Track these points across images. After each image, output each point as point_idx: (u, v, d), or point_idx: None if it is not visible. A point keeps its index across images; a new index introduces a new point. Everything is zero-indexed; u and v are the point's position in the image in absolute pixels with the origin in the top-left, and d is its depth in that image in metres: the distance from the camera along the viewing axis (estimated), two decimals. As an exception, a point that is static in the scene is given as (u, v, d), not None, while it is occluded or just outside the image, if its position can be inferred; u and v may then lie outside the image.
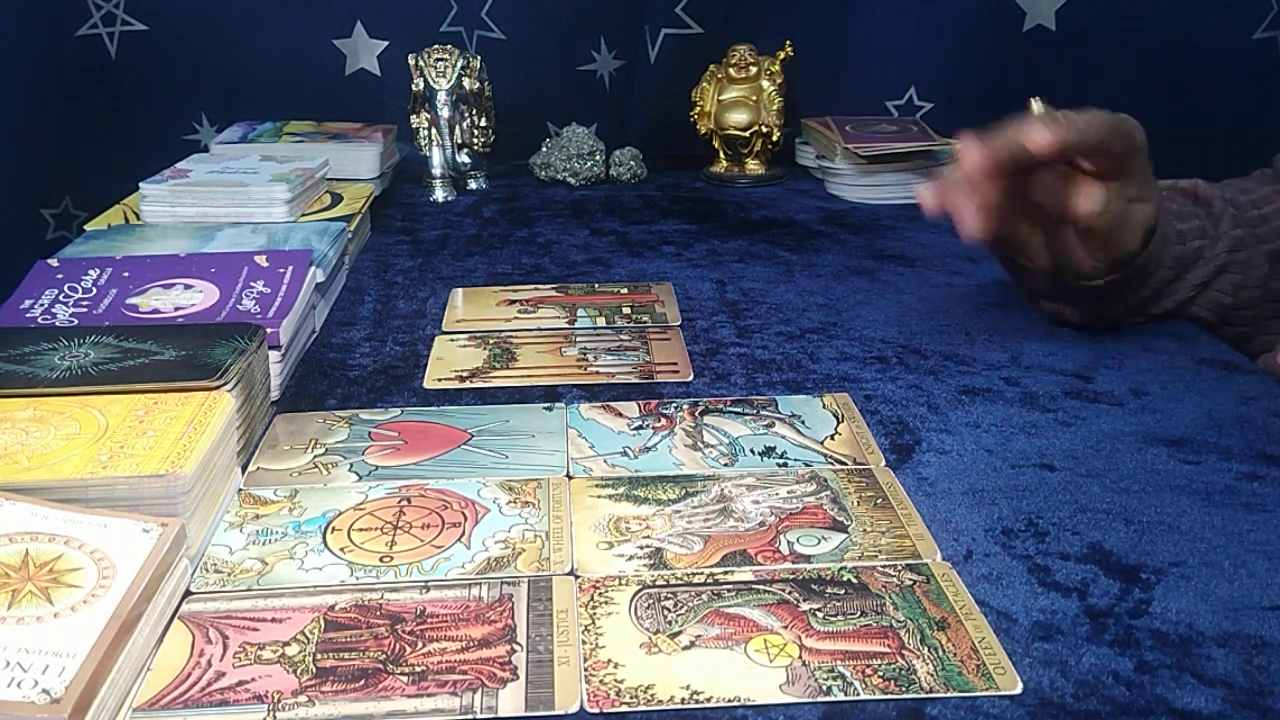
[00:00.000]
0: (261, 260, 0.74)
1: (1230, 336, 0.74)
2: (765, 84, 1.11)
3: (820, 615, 0.45)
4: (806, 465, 0.57)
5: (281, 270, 0.72)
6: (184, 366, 0.57)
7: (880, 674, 0.42)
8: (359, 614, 0.46)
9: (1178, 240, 0.71)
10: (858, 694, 0.41)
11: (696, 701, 0.41)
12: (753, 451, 0.59)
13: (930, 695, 0.41)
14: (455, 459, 0.58)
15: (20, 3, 1.04)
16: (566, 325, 0.76)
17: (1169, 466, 0.57)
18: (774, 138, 1.12)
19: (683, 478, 0.56)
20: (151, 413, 0.53)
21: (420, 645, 0.44)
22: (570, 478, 0.56)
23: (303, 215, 0.86)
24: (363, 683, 0.42)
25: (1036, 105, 0.67)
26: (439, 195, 1.07)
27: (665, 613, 0.46)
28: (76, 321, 0.66)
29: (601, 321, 0.77)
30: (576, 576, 0.48)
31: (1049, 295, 0.73)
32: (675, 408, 0.63)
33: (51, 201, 1.12)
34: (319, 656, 0.43)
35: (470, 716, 0.40)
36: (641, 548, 0.50)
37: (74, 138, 1.12)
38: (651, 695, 0.41)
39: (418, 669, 0.42)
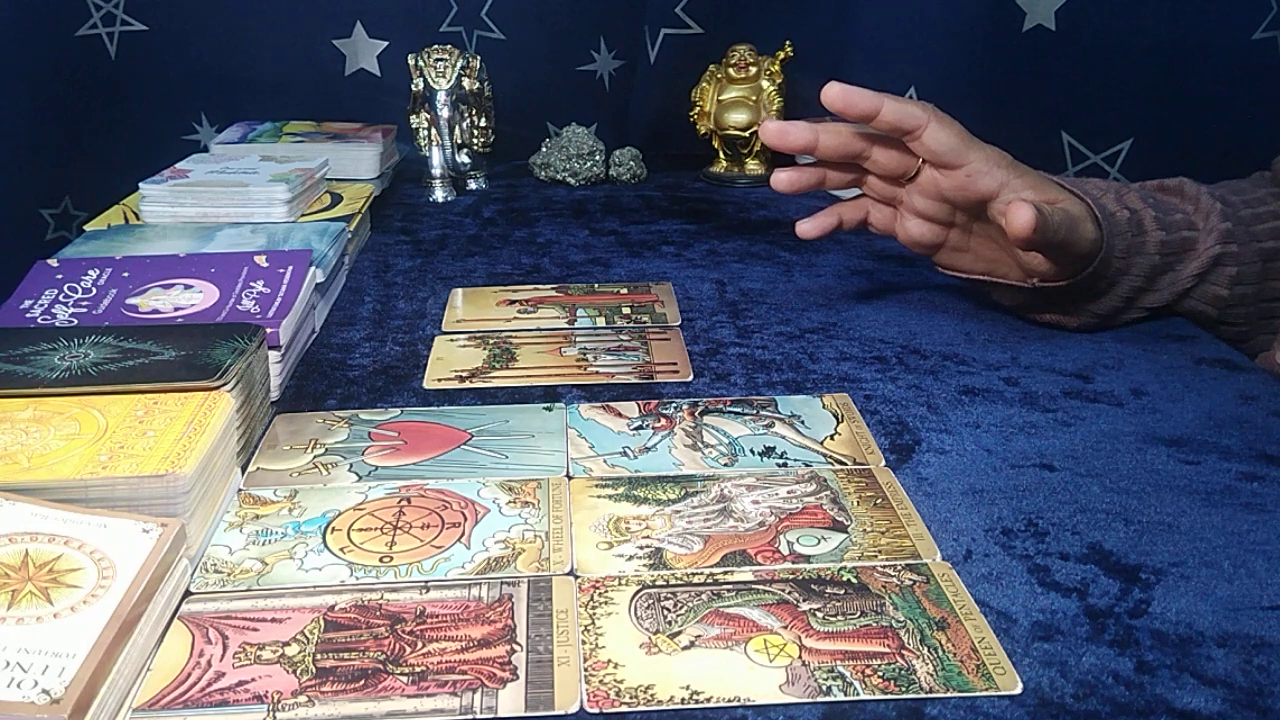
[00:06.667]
0: (261, 260, 0.74)
1: (1228, 336, 0.74)
2: (765, 84, 1.11)
3: (820, 615, 0.45)
4: (806, 465, 0.57)
5: (281, 270, 0.72)
6: (184, 366, 0.57)
7: (880, 674, 0.42)
8: (359, 614, 0.46)
9: (1162, 228, 0.71)
10: (857, 694, 0.41)
11: (696, 702, 0.41)
12: (753, 451, 0.59)
13: (930, 695, 0.41)
14: (455, 459, 0.58)
15: (20, 3, 1.04)
16: (566, 325, 0.76)
17: (1169, 466, 0.57)
18: (774, 138, 1.12)
19: (683, 478, 0.56)
20: (151, 413, 0.53)
21: (420, 645, 0.44)
22: (570, 478, 0.56)
23: (303, 215, 0.86)
24: (363, 683, 0.42)
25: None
26: (439, 195, 1.07)
27: (665, 613, 0.46)
28: (76, 321, 0.66)
29: (601, 321, 0.77)
30: (576, 576, 0.48)
31: (1030, 306, 0.74)
32: (675, 408, 0.63)
33: (51, 201, 1.12)
34: (319, 656, 0.43)
35: (470, 716, 0.40)
36: (641, 548, 0.50)
37: (74, 138, 1.12)
38: (651, 695, 0.41)
39: (418, 669, 0.42)
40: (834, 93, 0.68)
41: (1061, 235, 0.65)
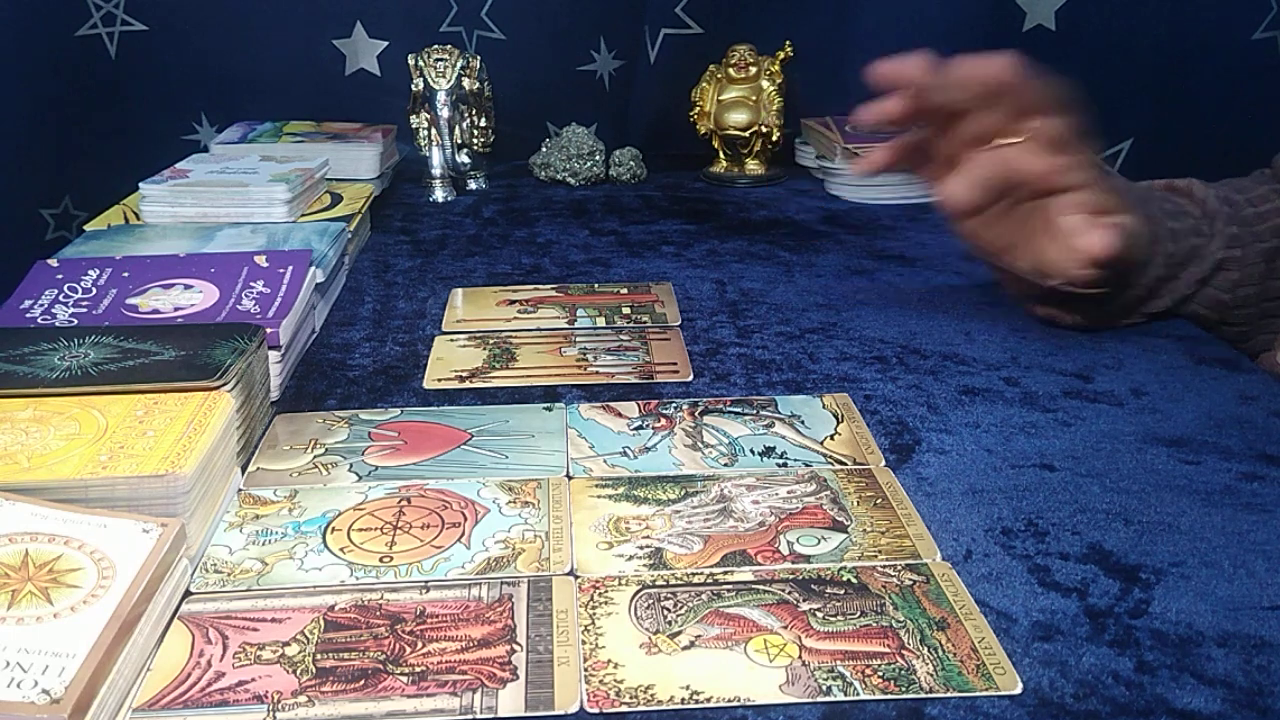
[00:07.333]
0: (261, 260, 0.74)
1: (1229, 336, 0.74)
2: (765, 84, 1.11)
3: (820, 615, 0.45)
4: (806, 465, 0.57)
5: (281, 270, 0.72)
6: (184, 366, 0.57)
7: (880, 674, 0.42)
8: (359, 614, 0.46)
9: (1170, 238, 0.71)
10: (858, 694, 0.41)
11: (696, 701, 0.41)
12: (752, 451, 0.59)
13: (930, 695, 0.41)
14: (455, 459, 0.58)
15: (20, 3, 1.04)
16: (566, 325, 0.76)
17: (1169, 466, 0.57)
18: (774, 138, 1.12)
19: (683, 478, 0.56)
20: (151, 413, 0.53)
21: (420, 645, 0.44)
22: (570, 478, 0.56)
23: (303, 215, 0.87)
24: (362, 683, 0.42)
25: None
26: (439, 195, 1.07)
27: (665, 613, 0.46)
28: (76, 321, 0.66)
29: (601, 321, 0.77)
30: (576, 576, 0.48)
31: (1040, 300, 0.73)
32: (675, 408, 0.63)
33: (51, 201, 1.12)
34: (319, 656, 0.43)
35: (470, 716, 0.40)
36: (641, 548, 0.50)
37: (74, 138, 1.12)
38: (651, 695, 0.41)
39: (418, 669, 0.42)
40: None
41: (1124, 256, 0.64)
